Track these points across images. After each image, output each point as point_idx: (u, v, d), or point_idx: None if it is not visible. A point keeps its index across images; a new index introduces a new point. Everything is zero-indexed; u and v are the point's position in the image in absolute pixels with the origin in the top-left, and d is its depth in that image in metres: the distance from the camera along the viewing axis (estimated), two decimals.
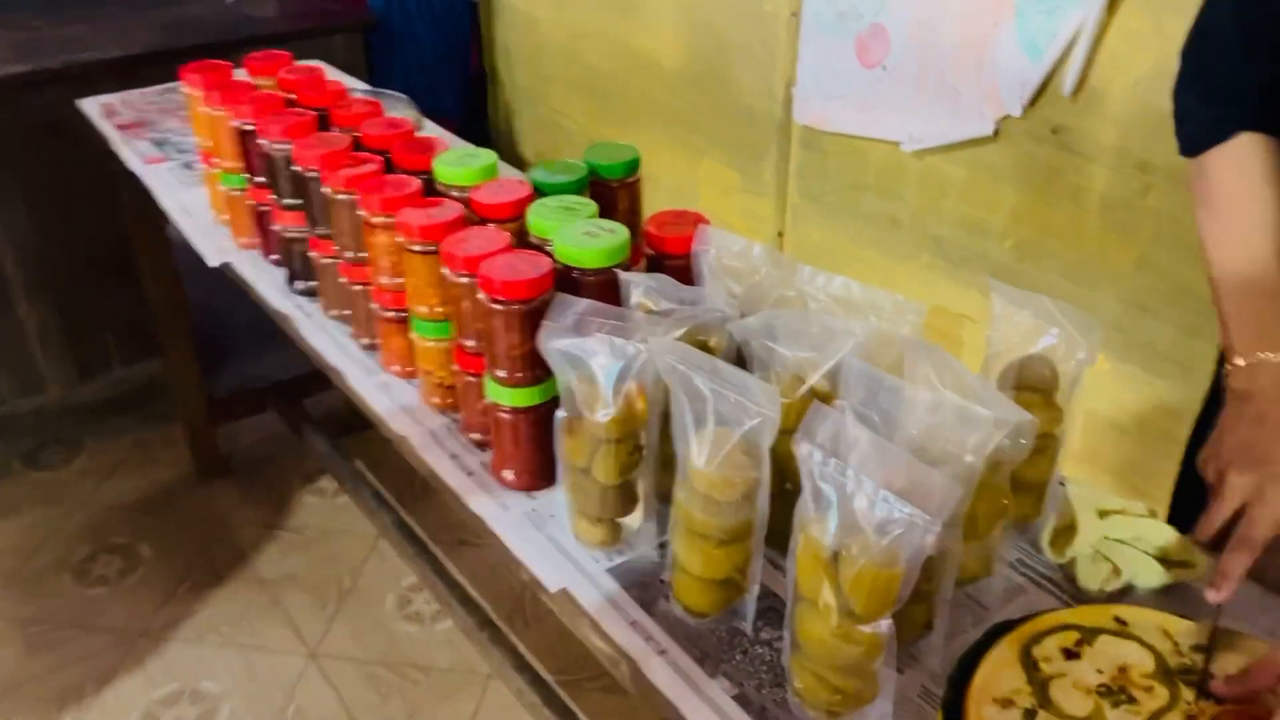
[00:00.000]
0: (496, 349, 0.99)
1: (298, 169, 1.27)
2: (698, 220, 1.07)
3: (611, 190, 1.20)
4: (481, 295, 0.97)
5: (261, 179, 1.39)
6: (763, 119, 2.12)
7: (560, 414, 0.95)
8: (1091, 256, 1.66)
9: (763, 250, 0.98)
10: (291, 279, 1.41)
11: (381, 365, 1.25)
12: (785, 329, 0.89)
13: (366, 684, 1.99)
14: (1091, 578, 0.91)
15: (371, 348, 1.28)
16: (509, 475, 1.06)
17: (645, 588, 0.94)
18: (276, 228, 1.38)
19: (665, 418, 0.89)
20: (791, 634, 0.82)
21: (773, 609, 0.91)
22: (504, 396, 1.01)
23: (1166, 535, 0.91)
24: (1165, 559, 0.91)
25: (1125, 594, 0.91)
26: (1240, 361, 0.92)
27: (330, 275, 1.31)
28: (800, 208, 2.14)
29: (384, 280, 1.18)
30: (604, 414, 0.89)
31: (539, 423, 1.02)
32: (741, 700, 0.83)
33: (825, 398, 0.88)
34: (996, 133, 1.71)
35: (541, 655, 2.01)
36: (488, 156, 1.18)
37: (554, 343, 0.90)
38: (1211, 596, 0.84)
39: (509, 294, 0.95)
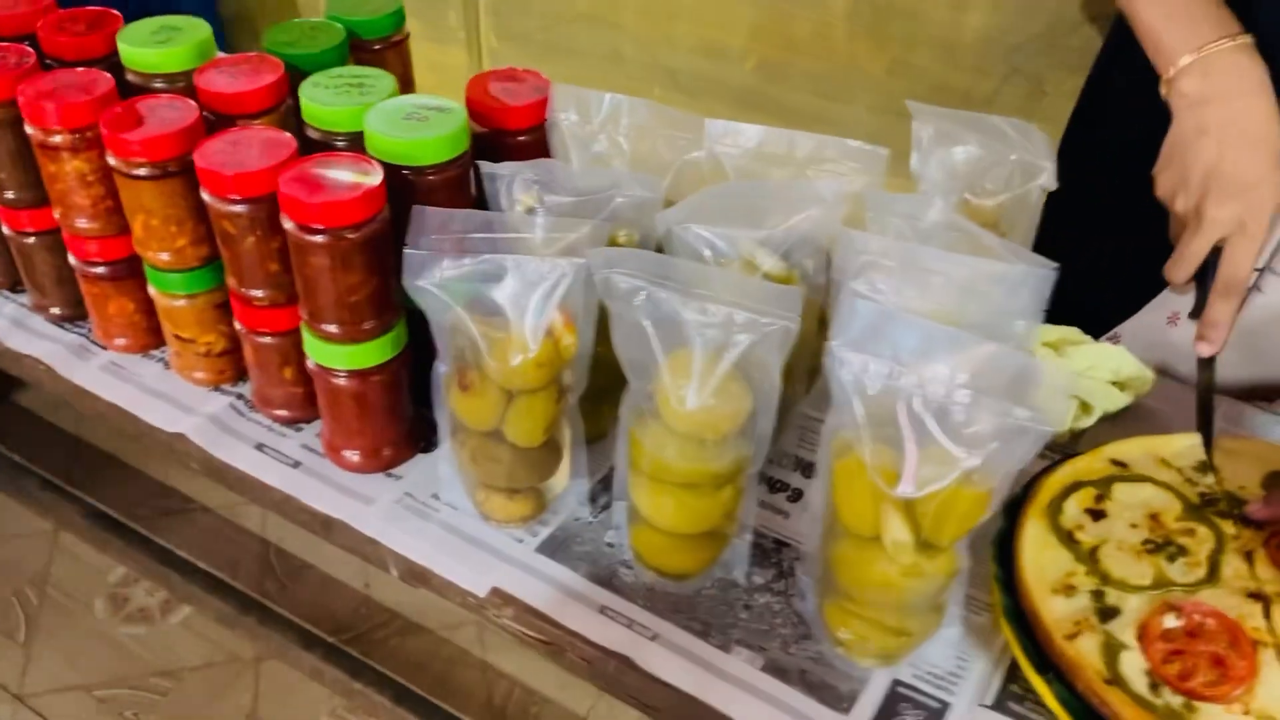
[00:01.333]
0: (322, 297, 0.71)
1: None
2: (534, 79, 0.82)
3: (376, 54, 0.91)
4: (289, 225, 0.68)
5: None
6: None
7: (441, 368, 0.70)
8: (841, 68, 1.58)
9: (647, 106, 0.77)
10: None
11: (99, 340, 0.90)
12: (729, 206, 0.69)
13: (103, 714, 1.61)
14: (1060, 419, 0.83)
15: (68, 319, 0.92)
16: (353, 456, 0.79)
17: (593, 560, 0.74)
18: None
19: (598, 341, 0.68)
20: (824, 578, 0.67)
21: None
22: (339, 358, 0.74)
23: (1117, 355, 0.85)
24: (1117, 381, 0.85)
25: (1084, 430, 0.85)
26: (1186, 59, 0.79)
27: None
28: (500, 52, 1.87)
29: (82, 224, 0.82)
30: (523, 359, 0.66)
31: (392, 383, 0.76)
32: (774, 671, 0.68)
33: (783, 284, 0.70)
34: None
35: (314, 617, 1.73)
36: (196, 26, 0.84)
37: (431, 275, 0.65)
38: (1204, 350, 0.79)
39: (334, 219, 0.67)
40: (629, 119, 0.77)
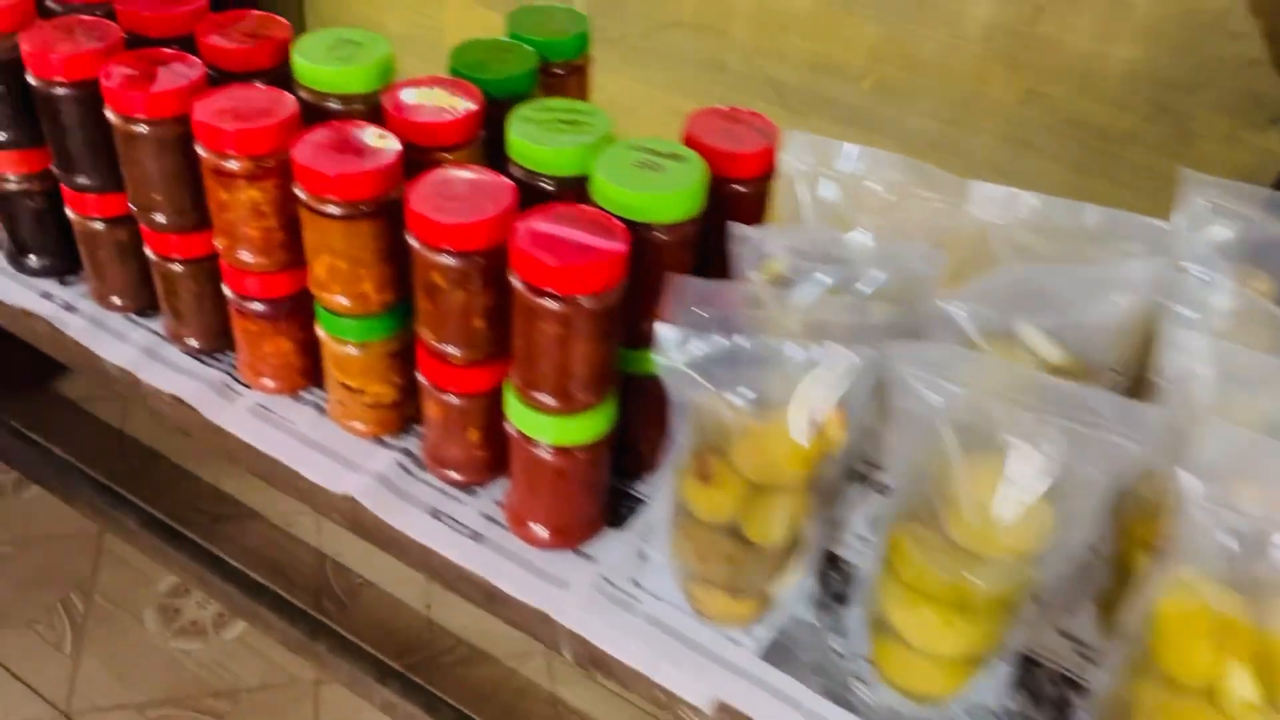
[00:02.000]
0: (543, 365, 0.62)
1: (36, 82, 0.76)
2: (757, 120, 0.74)
3: (558, 80, 0.83)
4: (520, 285, 0.60)
5: None
6: None
7: (677, 452, 0.62)
8: (968, 93, 1.50)
9: (900, 162, 0.68)
10: (19, 252, 0.89)
11: (243, 378, 0.81)
12: (1014, 287, 0.61)
13: None
14: None
15: (206, 351, 0.83)
16: (541, 532, 0.71)
17: (823, 671, 0.66)
18: None
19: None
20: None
21: None
22: (548, 430, 0.65)
23: None
24: None
25: None
26: None
27: (108, 247, 0.82)
28: (593, 55, 1.78)
29: (247, 257, 0.73)
30: (784, 452, 0.58)
31: (597, 460, 0.68)
32: None
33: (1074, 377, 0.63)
34: None
35: (375, 640, 1.65)
36: (375, 42, 0.75)
37: (687, 352, 0.57)
38: None
39: (574, 286, 0.59)
40: (875, 175, 0.68)
